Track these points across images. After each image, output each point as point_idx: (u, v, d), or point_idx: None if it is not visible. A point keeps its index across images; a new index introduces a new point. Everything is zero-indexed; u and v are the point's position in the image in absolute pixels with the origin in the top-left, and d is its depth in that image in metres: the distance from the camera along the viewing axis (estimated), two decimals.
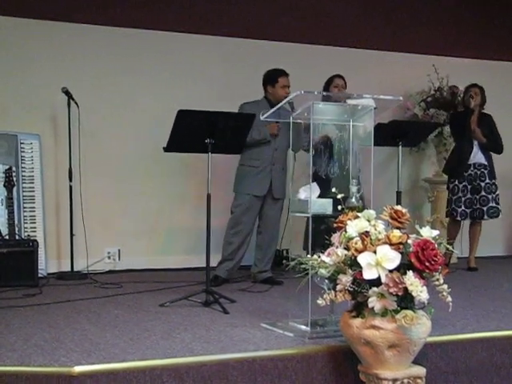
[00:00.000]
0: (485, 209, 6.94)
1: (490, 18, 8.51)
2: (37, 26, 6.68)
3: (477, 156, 7.01)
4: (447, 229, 7.12)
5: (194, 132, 4.95)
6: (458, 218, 7.01)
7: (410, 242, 3.37)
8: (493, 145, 7.05)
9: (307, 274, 3.64)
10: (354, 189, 4.04)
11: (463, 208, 6.99)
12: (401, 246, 3.33)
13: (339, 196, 3.81)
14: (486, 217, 6.96)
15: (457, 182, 7.03)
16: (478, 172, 6.99)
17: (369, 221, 3.50)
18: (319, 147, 5.88)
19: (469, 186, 6.99)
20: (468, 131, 6.95)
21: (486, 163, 7.00)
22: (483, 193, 6.95)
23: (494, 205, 6.96)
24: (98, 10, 6.86)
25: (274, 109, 4.43)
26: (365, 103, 4.23)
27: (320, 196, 4.14)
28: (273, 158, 5.99)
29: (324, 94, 4.68)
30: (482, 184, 6.96)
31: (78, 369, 3.19)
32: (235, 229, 6.03)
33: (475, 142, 7.00)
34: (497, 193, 7.02)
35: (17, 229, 6.17)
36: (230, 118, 5.26)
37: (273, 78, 6.06)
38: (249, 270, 6.34)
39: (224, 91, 6.89)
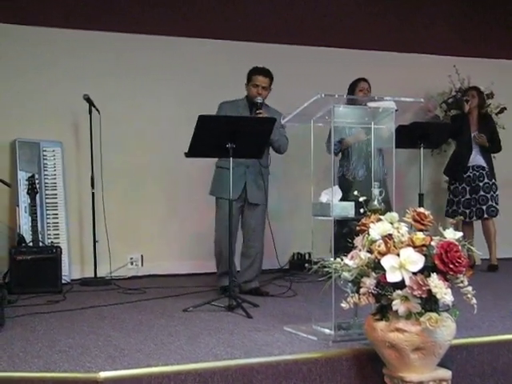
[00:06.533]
0: (484, 207, 7.10)
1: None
2: (58, 34, 6.74)
3: (475, 158, 7.18)
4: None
5: (215, 137, 4.94)
6: (459, 218, 7.10)
7: (433, 244, 3.35)
8: (493, 146, 7.21)
9: (330, 277, 3.64)
10: (376, 191, 4.02)
11: (462, 209, 7.17)
12: (424, 249, 3.31)
13: (361, 199, 3.80)
14: (485, 215, 7.10)
15: (457, 184, 7.25)
16: (477, 173, 7.16)
17: (392, 223, 3.49)
18: (347, 150, 5.91)
19: (467, 188, 7.18)
20: (466, 134, 7.12)
21: (484, 165, 7.16)
22: (482, 192, 7.11)
23: (493, 204, 7.10)
24: (119, 17, 6.92)
25: (293, 114, 4.38)
26: (386, 105, 4.21)
27: (344, 199, 4.12)
28: (246, 160, 5.55)
29: (345, 97, 4.66)
30: (481, 184, 7.12)
31: (103, 374, 3.20)
32: (215, 237, 5.84)
33: (474, 144, 7.15)
34: (496, 193, 7.16)
35: (40, 236, 6.21)
36: (251, 122, 5.26)
37: (248, 76, 5.84)
38: (268, 273, 6.34)
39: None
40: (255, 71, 5.82)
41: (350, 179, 5.82)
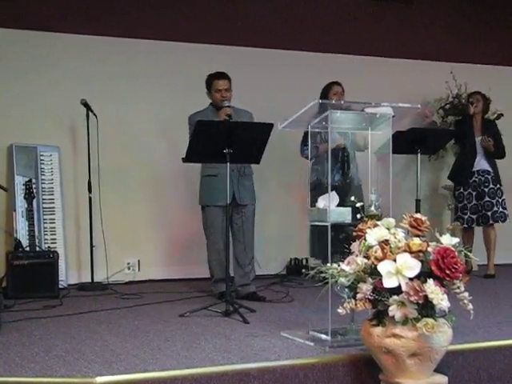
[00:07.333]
0: (489, 213, 7.04)
1: (509, 24, 8.47)
2: (55, 38, 6.75)
3: (480, 163, 7.13)
4: (461, 237, 7.11)
5: (213, 142, 4.95)
6: (465, 225, 7.10)
7: (430, 249, 3.35)
8: (497, 151, 7.16)
9: (327, 282, 3.64)
10: (373, 197, 4.02)
11: (469, 215, 7.12)
12: (421, 254, 3.31)
13: (358, 204, 3.81)
14: (491, 221, 7.05)
15: (462, 190, 7.19)
16: (482, 178, 7.10)
17: (388, 229, 3.49)
18: (323, 155, 5.87)
19: (473, 193, 7.12)
20: (470, 139, 7.08)
21: (489, 169, 7.12)
22: (487, 198, 7.06)
23: (499, 209, 7.05)
24: (117, 22, 6.92)
25: (290, 119, 4.36)
26: (383, 111, 4.21)
27: None
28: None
29: (343, 102, 4.66)
30: (486, 190, 7.06)
31: (100, 379, 3.19)
32: (208, 245, 5.86)
33: (479, 149, 7.11)
34: (502, 197, 7.11)
35: (37, 240, 6.21)
36: (248, 127, 5.26)
37: (208, 83, 5.86)
38: (265, 279, 6.31)
39: (244, 100, 6.82)
40: (213, 77, 5.83)
41: (326, 184, 5.73)
